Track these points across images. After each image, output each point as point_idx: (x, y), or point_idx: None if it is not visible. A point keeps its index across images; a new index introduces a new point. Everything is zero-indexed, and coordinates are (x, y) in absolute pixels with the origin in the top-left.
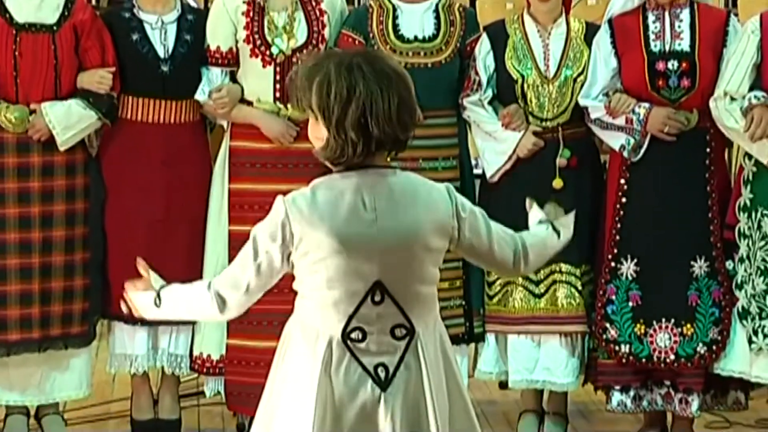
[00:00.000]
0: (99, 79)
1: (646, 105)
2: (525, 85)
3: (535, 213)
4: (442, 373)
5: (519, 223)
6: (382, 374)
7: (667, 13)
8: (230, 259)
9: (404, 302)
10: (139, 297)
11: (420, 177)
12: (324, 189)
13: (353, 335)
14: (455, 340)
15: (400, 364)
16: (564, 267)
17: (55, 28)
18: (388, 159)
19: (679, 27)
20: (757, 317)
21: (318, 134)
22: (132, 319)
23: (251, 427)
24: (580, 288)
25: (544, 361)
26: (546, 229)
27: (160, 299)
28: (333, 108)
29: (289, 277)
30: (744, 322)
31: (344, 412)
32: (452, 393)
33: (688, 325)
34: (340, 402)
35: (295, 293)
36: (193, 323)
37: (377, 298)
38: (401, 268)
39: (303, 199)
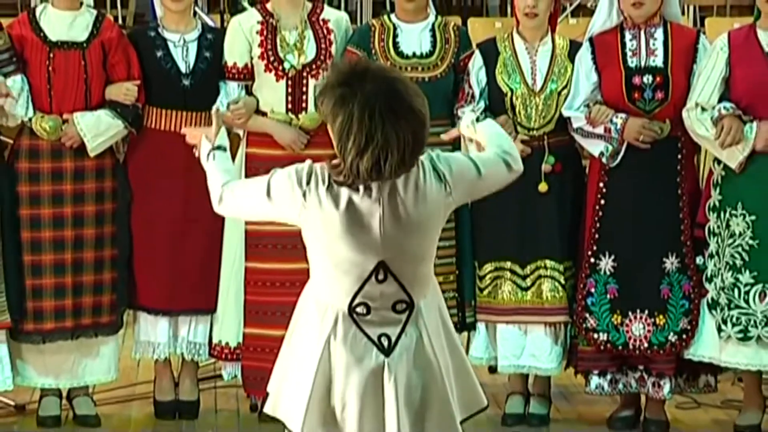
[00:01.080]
0: (125, 91)
1: (623, 115)
2: (514, 98)
3: (465, 119)
4: (443, 338)
5: (508, 222)
6: (385, 343)
7: (642, 32)
8: (246, 257)
9: (405, 280)
10: (204, 144)
11: (420, 172)
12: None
13: (358, 309)
14: None
15: (401, 334)
16: (549, 263)
17: (85, 45)
18: None
19: (654, 45)
20: (726, 308)
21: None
22: (154, 311)
23: (266, 393)
24: (563, 282)
25: (530, 348)
26: (487, 123)
27: (212, 158)
28: (350, 150)
29: (301, 272)
30: (713, 312)
31: (352, 376)
32: (453, 354)
33: (661, 316)
34: (348, 367)
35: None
36: (212, 314)
37: (381, 276)
38: (403, 251)
39: (323, 181)
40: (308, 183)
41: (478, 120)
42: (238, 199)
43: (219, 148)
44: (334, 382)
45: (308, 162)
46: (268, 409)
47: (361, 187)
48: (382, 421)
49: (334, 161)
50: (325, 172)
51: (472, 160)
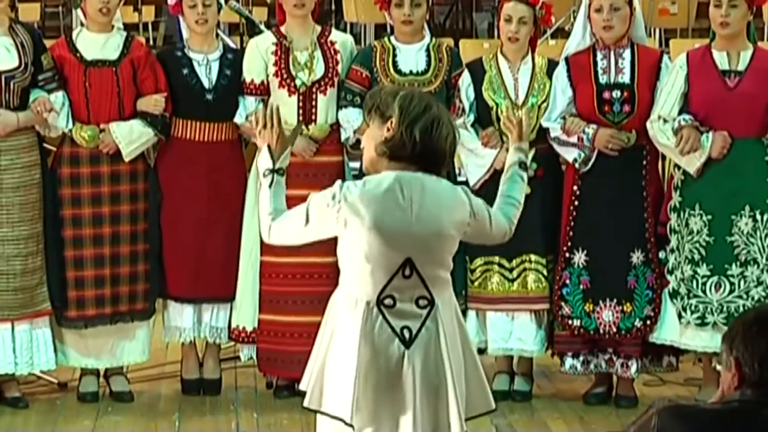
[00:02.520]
0: (154, 102)
1: (594, 126)
2: (499, 111)
3: (510, 156)
4: (458, 337)
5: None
6: (406, 335)
7: (612, 53)
8: (262, 252)
9: (428, 279)
10: (264, 157)
11: (448, 182)
12: (372, 181)
13: (386, 301)
14: None
15: (421, 328)
16: (533, 257)
17: (116, 63)
18: None
19: (622, 64)
20: (685, 297)
21: (376, 137)
22: (181, 299)
23: (291, 381)
24: (546, 274)
25: (516, 332)
26: (520, 183)
27: (272, 182)
28: (412, 111)
29: (311, 265)
30: (674, 300)
31: (376, 362)
32: (466, 352)
33: (628, 304)
34: (374, 353)
35: (319, 278)
36: (231, 302)
37: (407, 272)
38: (427, 250)
39: (355, 187)
40: (340, 199)
41: (521, 166)
42: (284, 231)
43: (279, 171)
44: (367, 362)
45: (338, 182)
46: (309, 404)
47: (398, 191)
48: (398, 403)
49: (387, 134)
50: (357, 181)
51: (489, 217)
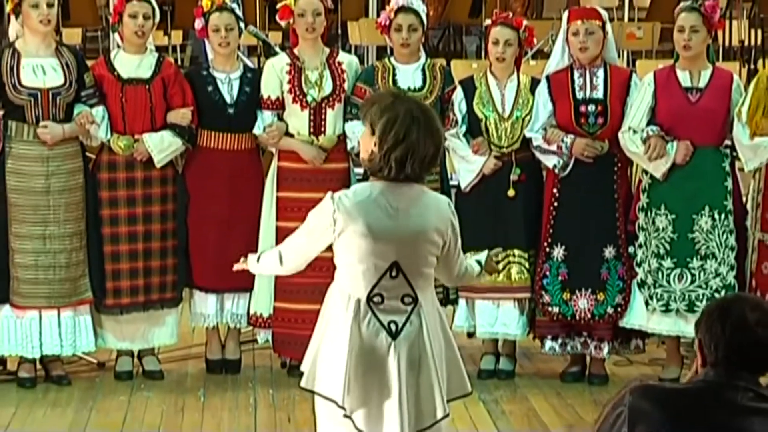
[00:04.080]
0: (182, 115)
1: (572, 136)
2: (488, 123)
3: (477, 258)
4: (439, 329)
5: (484, 219)
6: (393, 328)
7: (587, 71)
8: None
9: (413, 279)
10: (250, 261)
11: (434, 193)
12: (361, 190)
13: (375, 299)
14: None
15: (406, 322)
16: (516, 252)
17: (149, 81)
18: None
19: (596, 81)
20: (651, 287)
21: (367, 146)
22: (205, 289)
23: (301, 362)
24: (528, 266)
25: (501, 318)
26: (477, 267)
27: (258, 260)
28: (389, 141)
29: (323, 258)
30: (642, 290)
31: (365, 352)
32: (447, 346)
33: (601, 293)
34: (364, 344)
35: (327, 270)
36: (250, 291)
37: (393, 274)
38: (412, 254)
39: (346, 196)
40: (334, 209)
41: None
42: (293, 254)
43: (259, 255)
44: (355, 353)
45: (328, 194)
46: (305, 385)
47: (386, 201)
48: (384, 389)
49: (370, 153)
50: (347, 191)
51: (460, 251)
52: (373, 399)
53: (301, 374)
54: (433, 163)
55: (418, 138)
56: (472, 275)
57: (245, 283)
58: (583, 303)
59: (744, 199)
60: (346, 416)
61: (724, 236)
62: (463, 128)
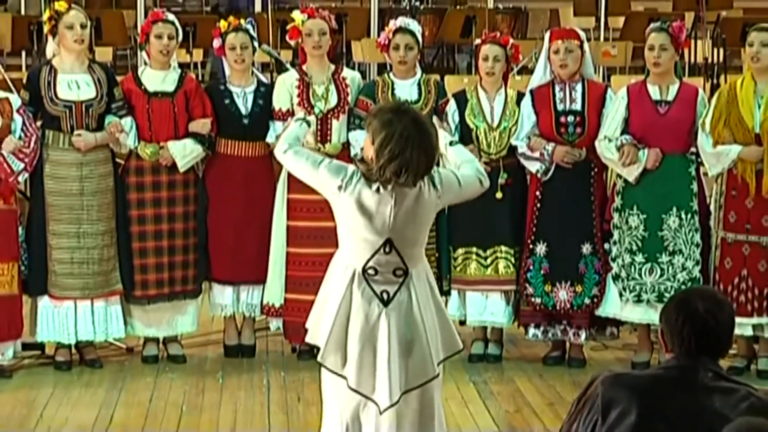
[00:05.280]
0: (202, 125)
1: (553, 144)
2: (478, 132)
3: (442, 137)
4: (430, 298)
5: (474, 219)
6: (385, 297)
7: (567, 86)
8: (288, 244)
9: (404, 254)
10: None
11: (423, 181)
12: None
13: (369, 271)
14: None
15: (397, 292)
16: (503, 248)
17: (173, 94)
18: None
19: (575, 95)
20: (625, 280)
21: (368, 152)
22: (223, 281)
23: (310, 347)
24: (514, 261)
25: (489, 308)
26: (460, 149)
27: (297, 123)
28: (385, 156)
29: (327, 255)
30: (616, 282)
31: (359, 317)
32: (438, 311)
33: (579, 286)
34: (357, 310)
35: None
36: (263, 284)
37: (387, 249)
38: (405, 233)
39: (358, 181)
40: (346, 178)
41: (451, 144)
42: (296, 164)
43: (306, 121)
44: (350, 318)
45: (351, 165)
46: (309, 340)
47: (381, 187)
48: (375, 352)
49: (367, 162)
50: (359, 172)
51: (456, 177)
52: (365, 360)
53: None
54: (428, 173)
55: (411, 155)
56: (468, 156)
57: (259, 276)
58: (563, 294)
59: (708, 200)
60: (333, 372)
61: (690, 234)
62: (456, 137)
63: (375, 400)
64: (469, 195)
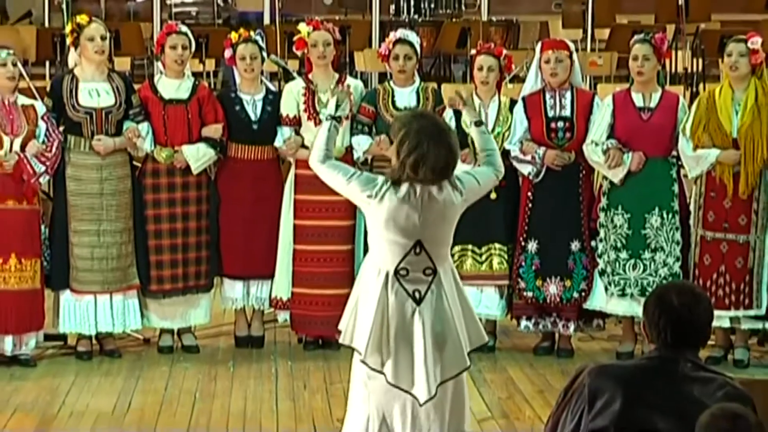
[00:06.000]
0: (215, 130)
1: (544, 148)
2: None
3: (467, 115)
4: (456, 294)
5: (470, 218)
6: (417, 296)
7: (557, 93)
8: (294, 241)
9: (433, 254)
10: (330, 105)
11: (447, 186)
12: (397, 189)
13: (401, 272)
14: None
15: (428, 290)
16: (497, 245)
17: (187, 101)
18: None
19: (564, 102)
20: (610, 275)
21: (392, 156)
22: (233, 276)
23: (315, 338)
24: (507, 258)
25: (484, 301)
26: (485, 134)
27: (332, 126)
28: (404, 150)
29: (332, 252)
30: (602, 278)
31: (394, 317)
32: (464, 306)
33: (568, 281)
34: (392, 310)
35: (336, 262)
36: (271, 278)
37: (417, 251)
38: (433, 236)
39: (388, 191)
40: (376, 188)
41: (476, 124)
42: (331, 176)
43: (337, 118)
44: (388, 318)
45: (381, 179)
46: (342, 341)
47: (410, 193)
48: (411, 348)
49: (394, 162)
50: (388, 179)
51: (475, 178)
52: (402, 357)
53: (323, 347)
54: (446, 171)
55: (428, 149)
56: (487, 139)
57: (268, 271)
58: (553, 289)
59: (688, 201)
60: (374, 370)
61: (671, 232)
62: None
63: (414, 395)
64: (488, 189)
